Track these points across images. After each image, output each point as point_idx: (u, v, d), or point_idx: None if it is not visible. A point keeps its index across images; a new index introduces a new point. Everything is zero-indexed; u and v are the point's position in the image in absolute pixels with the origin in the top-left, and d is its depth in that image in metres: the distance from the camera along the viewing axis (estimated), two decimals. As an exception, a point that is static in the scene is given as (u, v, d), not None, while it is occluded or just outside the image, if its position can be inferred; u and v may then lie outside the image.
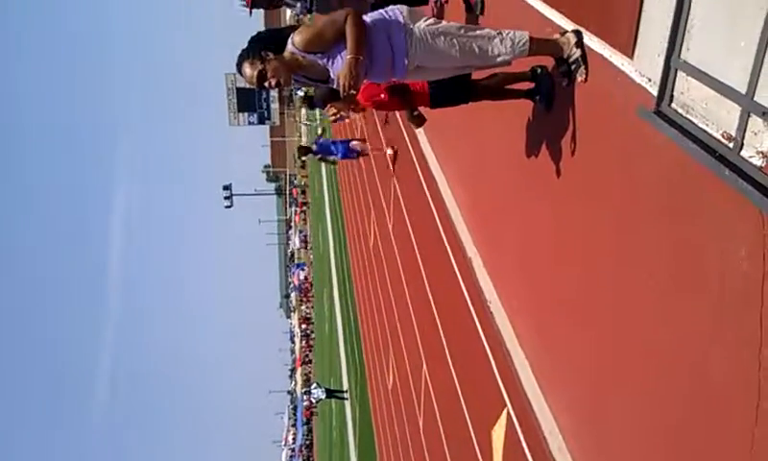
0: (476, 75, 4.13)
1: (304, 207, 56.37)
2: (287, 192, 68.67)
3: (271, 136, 69.76)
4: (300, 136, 58.74)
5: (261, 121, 56.32)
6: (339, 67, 3.25)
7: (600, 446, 3.92)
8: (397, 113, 10.16)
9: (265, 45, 3.40)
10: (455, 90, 4.05)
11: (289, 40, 3.29)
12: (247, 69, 3.35)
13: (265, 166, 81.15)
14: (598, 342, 3.80)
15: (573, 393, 4.27)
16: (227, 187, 61.20)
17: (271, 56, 3.32)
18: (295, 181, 63.18)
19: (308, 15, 5.87)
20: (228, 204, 61.27)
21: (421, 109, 4.27)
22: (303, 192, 59.15)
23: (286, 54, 3.32)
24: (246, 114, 55.03)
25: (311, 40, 3.26)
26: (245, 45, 3.50)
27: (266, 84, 3.36)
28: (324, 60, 3.32)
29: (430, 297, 8.46)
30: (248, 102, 54.48)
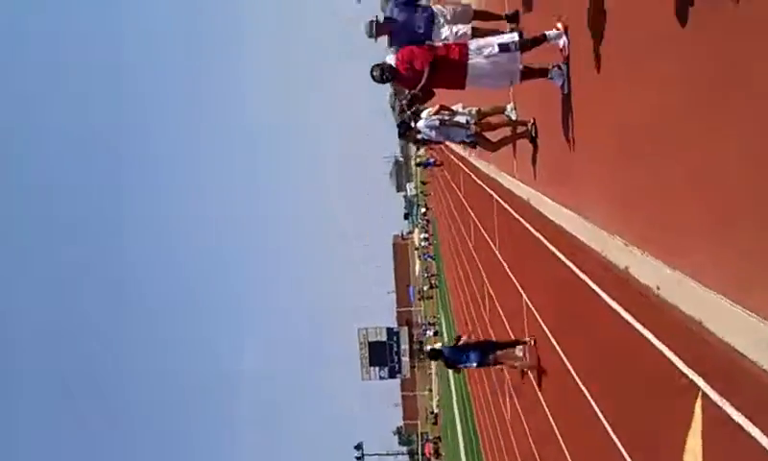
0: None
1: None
2: (419, 452, 67.41)
3: (402, 390, 69.90)
4: (431, 389, 59.29)
5: (392, 375, 57.13)
6: None
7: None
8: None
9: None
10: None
11: None
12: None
13: (397, 428, 79.32)
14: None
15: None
16: (358, 447, 60.43)
17: None
18: (428, 438, 62.41)
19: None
20: (360, 467, 59.86)
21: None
22: (437, 451, 58.18)
23: None
24: (377, 368, 56.41)
25: None
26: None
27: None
28: None
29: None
30: (380, 356, 56.17)
